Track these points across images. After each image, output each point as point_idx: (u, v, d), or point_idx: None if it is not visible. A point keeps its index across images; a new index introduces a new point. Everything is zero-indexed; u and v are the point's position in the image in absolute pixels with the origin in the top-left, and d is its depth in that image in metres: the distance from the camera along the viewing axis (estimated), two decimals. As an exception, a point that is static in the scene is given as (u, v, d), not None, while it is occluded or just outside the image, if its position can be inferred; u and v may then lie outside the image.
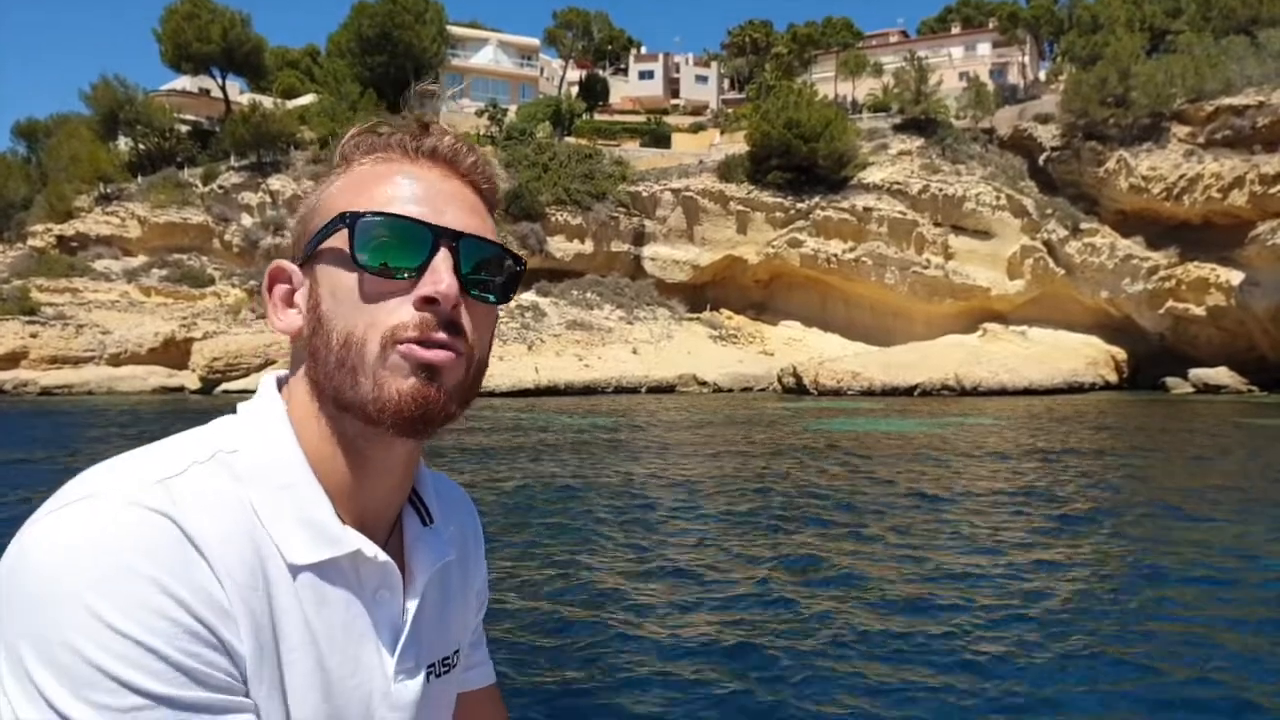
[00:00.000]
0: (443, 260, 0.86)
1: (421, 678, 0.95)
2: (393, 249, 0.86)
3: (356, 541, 0.87)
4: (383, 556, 0.90)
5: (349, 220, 0.87)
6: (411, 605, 0.94)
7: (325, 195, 0.92)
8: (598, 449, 17.11)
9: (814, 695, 5.47)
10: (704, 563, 8.52)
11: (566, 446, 17.43)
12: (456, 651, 1.06)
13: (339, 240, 0.87)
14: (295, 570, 0.84)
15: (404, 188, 0.89)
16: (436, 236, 0.87)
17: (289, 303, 0.92)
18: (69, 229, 43.03)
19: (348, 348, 0.85)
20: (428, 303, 0.85)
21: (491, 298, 0.92)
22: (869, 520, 10.45)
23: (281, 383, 0.95)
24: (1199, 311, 36.74)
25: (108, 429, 19.91)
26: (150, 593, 0.73)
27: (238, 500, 0.83)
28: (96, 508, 0.75)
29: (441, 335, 0.85)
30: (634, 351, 36.89)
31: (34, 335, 33.37)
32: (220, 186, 43.76)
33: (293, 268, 0.92)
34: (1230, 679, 5.70)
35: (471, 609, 1.13)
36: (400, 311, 0.85)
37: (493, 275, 0.92)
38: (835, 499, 11.83)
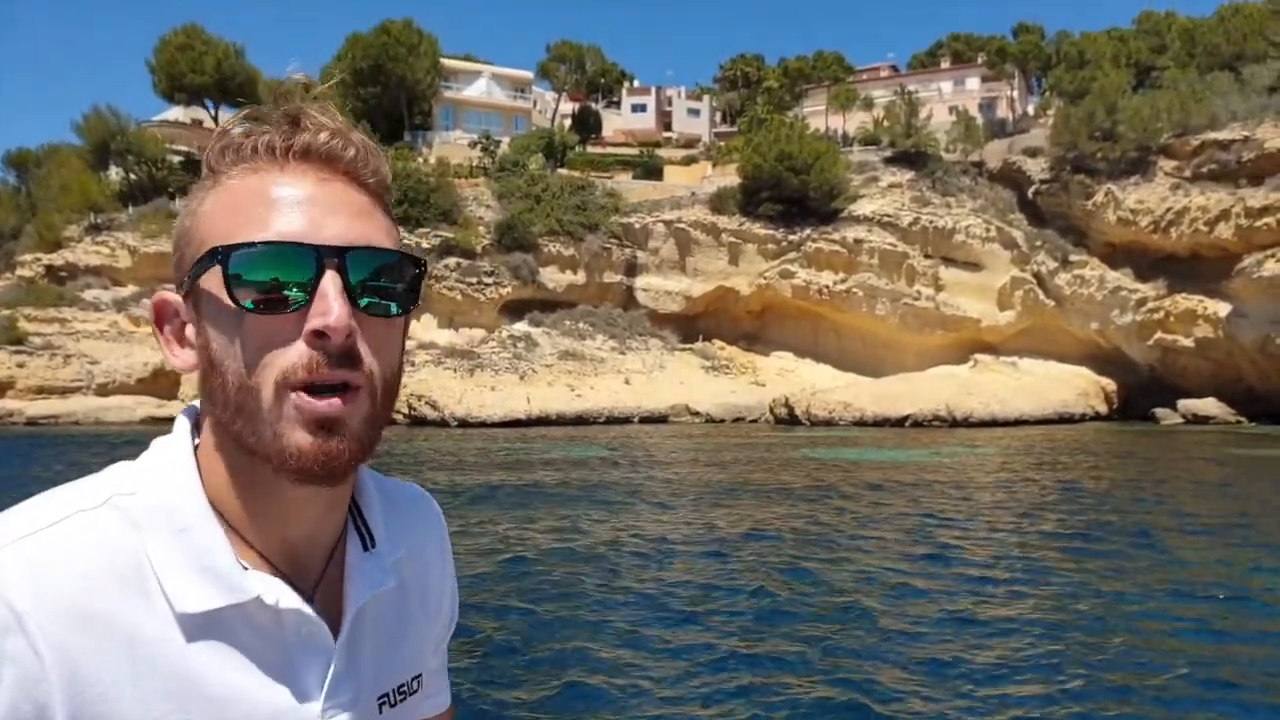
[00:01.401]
0: (330, 283, 0.78)
1: (362, 711, 0.89)
2: (271, 281, 0.78)
3: (257, 588, 0.81)
4: (287, 603, 0.83)
5: (220, 255, 0.79)
6: (342, 639, 0.88)
7: (196, 218, 0.83)
8: (599, 478, 16.99)
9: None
10: (702, 584, 8.42)
11: (564, 478, 17.30)
12: (417, 677, 1.00)
13: (214, 278, 0.80)
14: (187, 620, 0.79)
15: (277, 204, 0.80)
16: (319, 256, 0.79)
17: (180, 339, 0.85)
18: (58, 259, 42.84)
19: (243, 394, 0.79)
20: (318, 337, 0.78)
21: (393, 308, 0.84)
22: (866, 546, 10.36)
23: (196, 415, 0.89)
24: (1187, 343, 36.93)
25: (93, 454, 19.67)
26: None
27: (125, 547, 0.78)
28: None
29: (336, 374, 0.78)
30: (626, 382, 36.82)
31: (21, 365, 33.10)
32: (211, 217, 43.73)
33: (178, 301, 0.85)
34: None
35: (434, 630, 1.06)
36: (290, 351, 0.78)
37: (392, 283, 0.84)
38: (827, 527, 11.74)
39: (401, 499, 1.05)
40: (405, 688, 0.97)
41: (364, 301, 0.81)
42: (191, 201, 0.85)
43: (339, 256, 0.79)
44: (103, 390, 33.71)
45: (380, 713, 0.93)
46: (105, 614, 0.75)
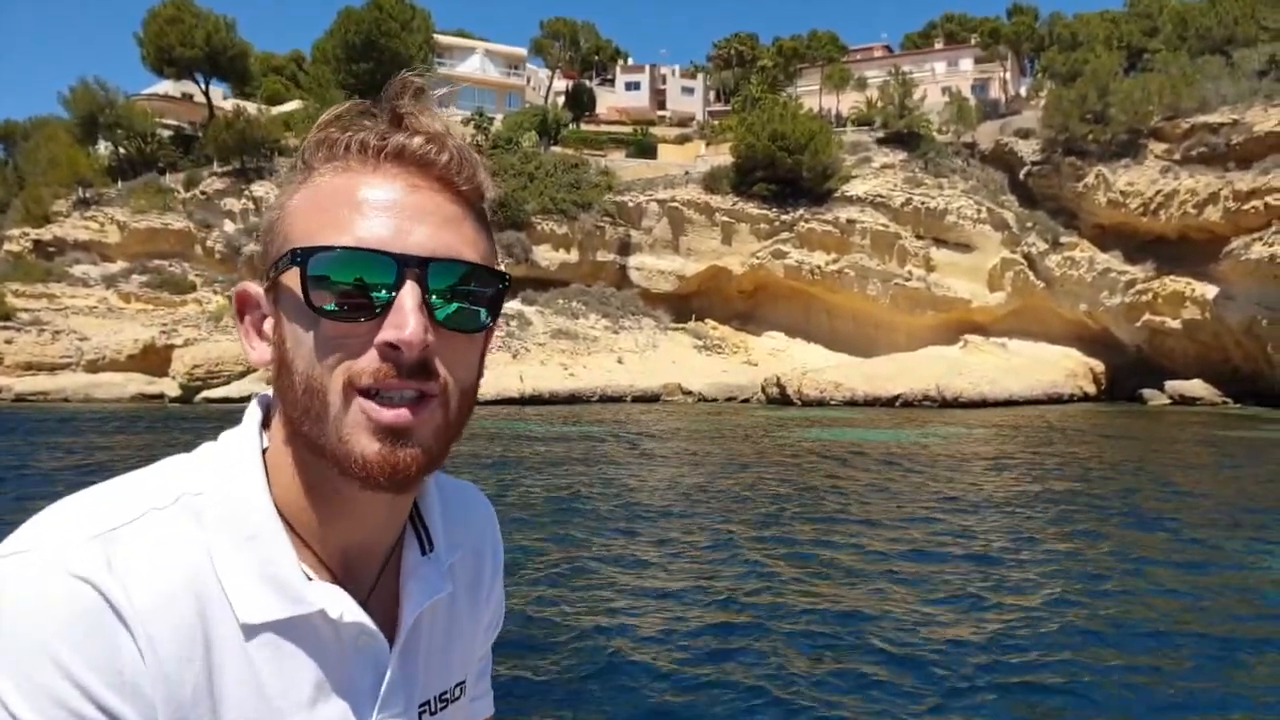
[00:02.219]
0: (409, 295, 0.77)
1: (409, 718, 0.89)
2: (349, 287, 0.77)
3: (322, 600, 0.81)
4: (350, 616, 0.83)
5: (299, 257, 0.78)
6: (398, 648, 0.88)
7: (283, 213, 0.83)
8: (591, 455, 17.13)
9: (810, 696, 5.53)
10: (691, 559, 8.57)
11: (559, 454, 17.43)
12: (460, 684, 0.99)
13: (292, 278, 0.79)
14: (250, 629, 0.78)
15: (363, 207, 0.79)
16: (400, 265, 0.77)
17: (259, 332, 0.85)
18: (46, 234, 42.47)
19: (310, 395, 0.78)
20: (390, 348, 0.76)
21: (474, 322, 0.83)
22: (855, 525, 10.55)
23: (268, 405, 0.89)
24: (1175, 324, 37.27)
25: (86, 435, 19.71)
26: (52, 678, 0.70)
27: (196, 551, 0.78)
28: (26, 567, 0.72)
29: (406, 384, 0.77)
30: (619, 361, 36.93)
31: (8, 341, 32.85)
32: (203, 192, 43.46)
33: (259, 294, 0.85)
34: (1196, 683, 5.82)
35: (480, 638, 1.05)
36: (361, 357, 0.77)
37: (474, 301, 0.82)
38: (821, 505, 11.93)
39: (458, 498, 1.04)
40: (448, 695, 0.96)
41: (443, 315, 0.80)
42: (282, 195, 0.85)
43: (421, 267, 0.78)
44: (92, 367, 33.52)
45: None
46: (184, 614, 0.75)
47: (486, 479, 13.97)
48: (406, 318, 0.76)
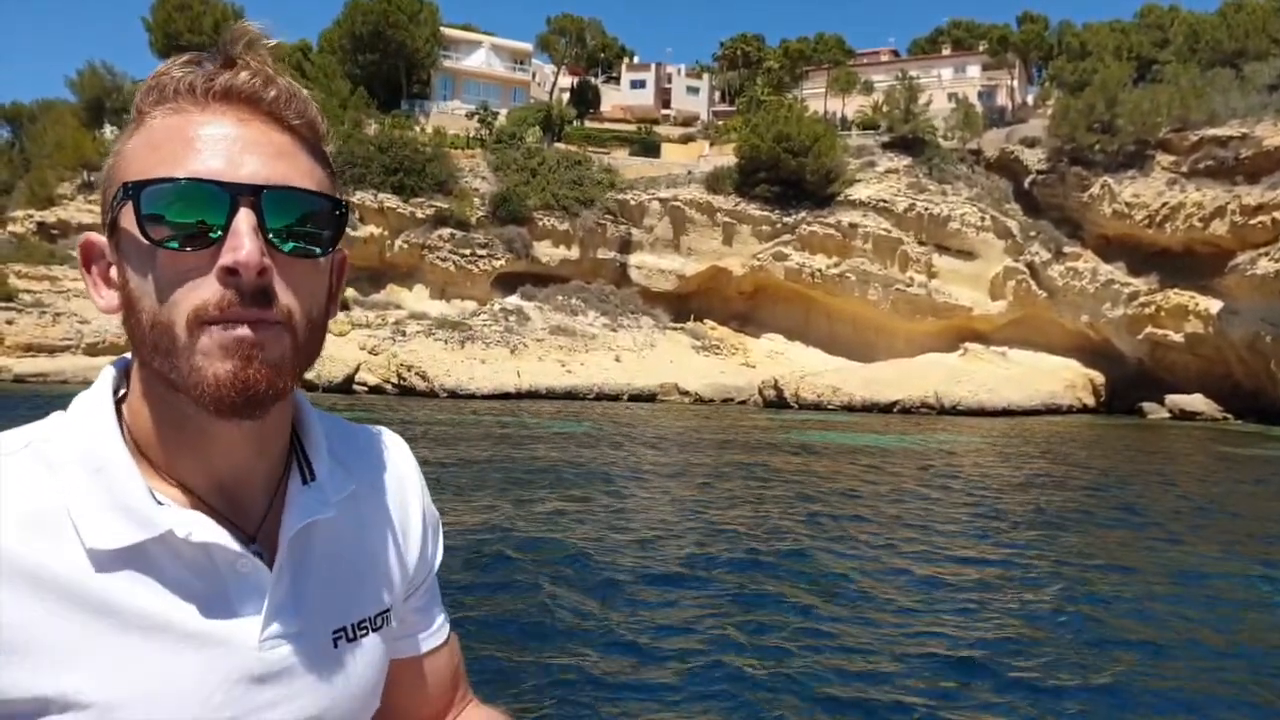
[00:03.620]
0: (244, 220, 0.78)
1: (311, 644, 0.89)
2: (184, 217, 0.78)
3: (169, 522, 0.82)
4: (199, 536, 0.83)
5: (131, 191, 0.79)
6: (279, 569, 0.88)
7: (118, 158, 0.84)
8: (587, 453, 17.04)
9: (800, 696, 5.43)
10: (687, 562, 8.47)
11: (554, 451, 17.34)
12: (381, 614, 0.99)
13: (128, 215, 0.80)
14: (99, 557, 0.79)
15: (195, 142, 0.80)
16: (233, 195, 0.79)
17: (107, 280, 0.85)
18: (50, 216, 42.51)
19: (158, 331, 0.79)
20: (230, 274, 0.78)
21: (317, 250, 0.84)
22: (845, 530, 10.44)
23: (129, 364, 0.90)
24: (1177, 338, 37.07)
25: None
26: None
27: (42, 491, 0.80)
28: None
29: (248, 311, 0.78)
30: (617, 359, 36.83)
31: (9, 322, 32.93)
32: (205, 178, 43.44)
33: (103, 242, 0.85)
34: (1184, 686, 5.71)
35: (405, 566, 1.04)
36: (203, 288, 0.78)
37: (315, 226, 0.84)
38: (815, 507, 11.82)
39: (359, 436, 1.06)
40: (367, 623, 0.96)
41: (284, 244, 0.81)
42: (116, 143, 0.85)
43: (255, 195, 0.79)
44: (92, 350, 33.55)
45: (335, 647, 0.92)
46: (27, 554, 0.77)
47: (477, 472, 13.88)
48: (242, 241, 0.77)
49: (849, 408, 32.75)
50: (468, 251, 40.85)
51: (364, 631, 0.96)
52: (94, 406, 0.87)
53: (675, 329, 41.38)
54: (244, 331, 0.78)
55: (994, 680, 5.90)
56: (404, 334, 35.60)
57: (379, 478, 1.04)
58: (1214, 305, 35.67)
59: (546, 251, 42.44)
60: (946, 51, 60.93)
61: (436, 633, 1.13)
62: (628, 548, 9.31)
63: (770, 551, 9.37)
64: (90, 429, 0.84)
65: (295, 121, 0.85)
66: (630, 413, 28.60)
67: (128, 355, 0.89)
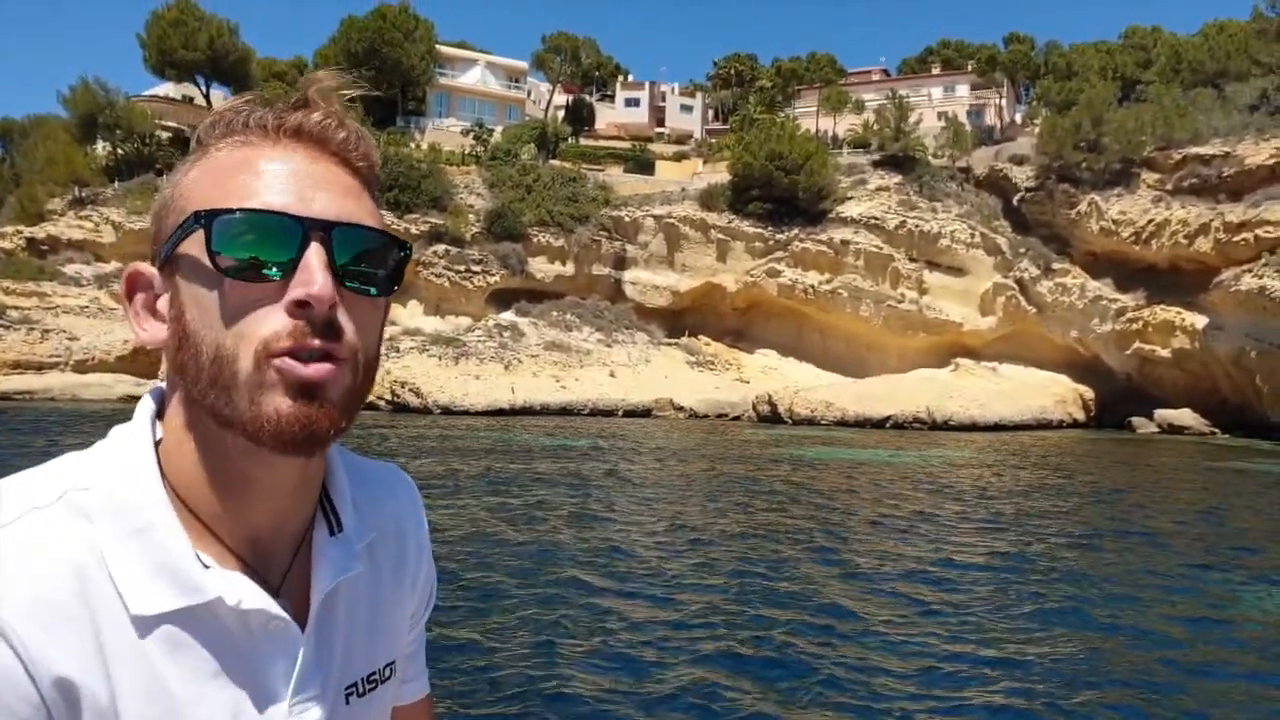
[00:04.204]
0: (315, 255, 0.78)
1: (330, 703, 0.88)
2: (256, 248, 0.77)
3: (217, 588, 0.80)
4: (250, 603, 0.81)
5: (204, 219, 0.78)
6: (310, 631, 0.87)
7: (179, 188, 0.83)
8: (582, 468, 17.11)
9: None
10: (681, 575, 8.57)
11: (548, 467, 17.41)
12: (389, 665, 0.98)
13: (196, 243, 0.79)
14: (143, 622, 0.77)
15: (266, 175, 0.80)
16: (305, 229, 0.78)
17: (152, 311, 0.84)
18: (40, 231, 42.25)
19: (219, 364, 0.77)
20: (300, 307, 0.77)
21: (373, 290, 0.84)
22: (839, 542, 10.57)
23: (162, 396, 0.87)
24: (1164, 353, 37.49)
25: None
26: None
27: (81, 548, 0.77)
28: None
29: (318, 342, 0.77)
30: (611, 374, 36.92)
31: (-2, 338, 32.71)
32: (200, 195, 43.29)
33: (152, 272, 0.84)
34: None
35: (407, 614, 1.03)
36: (271, 319, 0.77)
37: (374, 266, 0.84)
38: (810, 522, 11.94)
39: (373, 477, 1.03)
40: (376, 676, 0.95)
41: (349, 281, 0.81)
42: (175, 174, 0.85)
43: (325, 231, 0.79)
44: (80, 367, 33.33)
45: (347, 703, 0.91)
46: (68, 612, 0.74)
47: (471, 488, 13.96)
48: (314, 275, 0.76)
49: (842, 423, 32.95)
50: (462, 268, 40.94)
51: (373, 685, 0.95)
52: (133, 451, 0.83)
53: (670, 345, 41.52)
54: (311, 370, 0.77)
55: (993, 694, 6.03)
56: (398, 350, 35.61)
57: (391, 524, 1.02)
58: (1200, 321, 36.11)
59: (541, 267, 42.58)
60: (936, 71, 61.66)
61: (421, 678, 1.13)
62: (624, 565, 9.41)
63: (770, 569, 9.49)
64: (129, 479, 0.81)
65: (360, 164, 0.87)
66: (625, 429, 28.69)
67: (162, 384, 0.88)
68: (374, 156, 0.87)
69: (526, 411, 32.35)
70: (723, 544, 10.43)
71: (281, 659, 0.84)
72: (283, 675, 0.83)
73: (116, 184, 44.84)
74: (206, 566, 0.80)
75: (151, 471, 0.81)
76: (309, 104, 0.84)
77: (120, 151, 47.85)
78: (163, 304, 0.82)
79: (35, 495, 0.78)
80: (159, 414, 0.87)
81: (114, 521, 0.78)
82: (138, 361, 33.74)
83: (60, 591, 0.74)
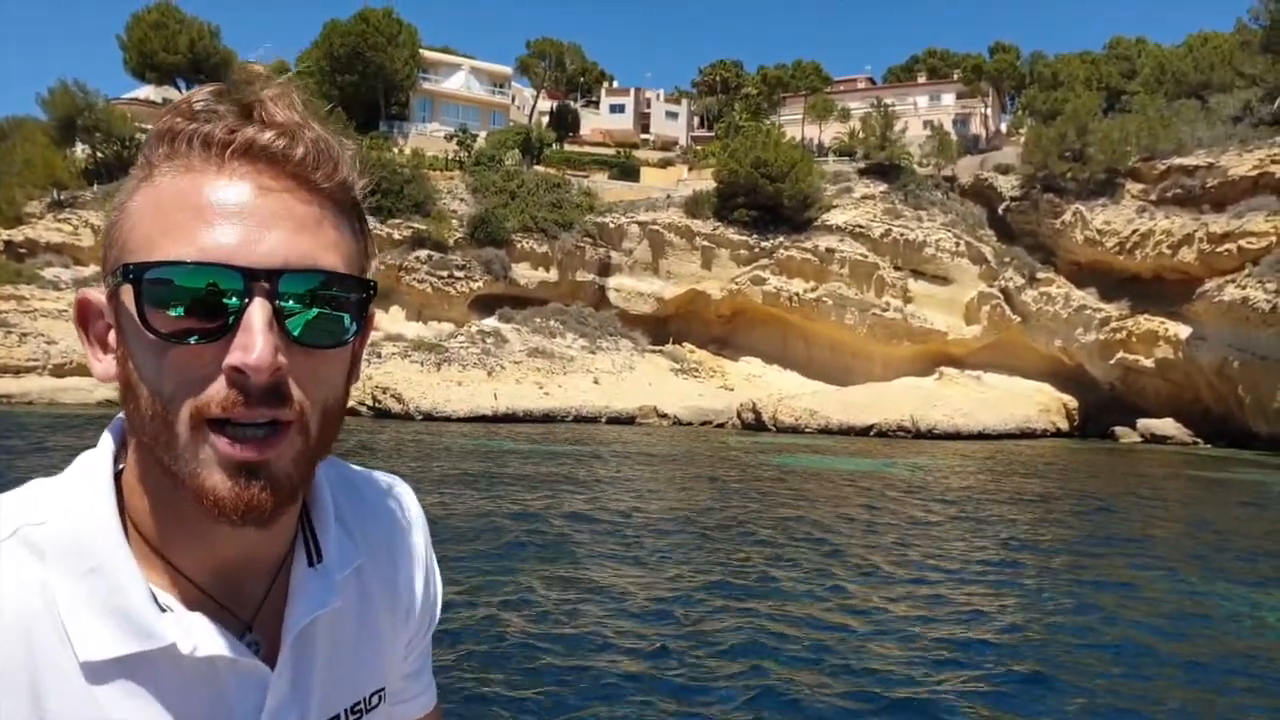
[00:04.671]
0: (257, 313, 0.69)
1: None
2: (190, 307, 0.69)
3: (172, 634, 0.74)
4: (205, 650, 0.75)
5: (132, 274, 0.70)
6: (281, 667, 0.80)
7: (121, 215, 0.74)
8: (566, 475, 16.90)
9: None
10: (662, 581, 8.38)
11: (532, 474, 17.19)
12: (377, 693, 0.91)
13: (127, 296, 0.71)
14: (92, 669, 0.72)
15: (206, 213, 0.70)
16: (247, 280, 0.69)
17: (104, 344, 0.77)
18: (18, 235, 41.83)
19: (157, 423, 0.71)
20: (237, 372, 0.69)
21: (334, 338, 0.74)
22: (821, 550, 10.39)
23: (124, 427, 0.80)
24: (1148, 363, 37.58)
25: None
26: None
27: (27, 589, 0.72)
28: None
29: (257, 413, 0.70)
30: (595, 381, 36.72)
31: (-26, 342, 32.29)
32: (180, 198, 42.95)
33: (101, 301, 0.76)
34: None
35: (400, 641, 0.96)
36: (207, 384, 0.70)
37: (338, 310, 0.74)
38: (792, 532, 11.77)
39: (366, 493, 0.95)
40: (361, 705, 0.89)
41: (299, 330, 0.72)
42: (122, 193, 0.76)
43: (270, 280, 0.70)
44: (59, 371, 32.94)
45: None
46: (7, 661, 0.69)
47: (453, 497, 13.71)
48: (254, 339, 0.68)
49: (826, 431, 32.84)
50: (445, 273, 40.70)
51: (357, 715, 0.89)
52: (92, 484, 0.77)
53: (654, 352, 41.36)
54: (245, 453, 0.70)
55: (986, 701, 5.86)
56: (379, 355, 35.30)
57: (385, 544, 0.94)
58: (1183, 331, 36.22)
59: (525, 273, 42.37)
60: (922, 80, 61.91)
61: (424, 700, 1.05)
62: (608, 574, 9.21)
63: (745, 574, 9.30)
64: (88, 517, 0.75)
65: (325, 184, 0.75)
66: (609, 436, 28.48)
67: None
68: (343, 172, 0.77)
69: (509, 418, 32.10)
70: (699, 548, 10.24)
71: (251, 695, 0.79)
72: (250, 712, 0.79)
73: (96, 187, 44.47)
74: (164, 609, 0.76)
75: (108, 506, 0.77)
76: (253, 110, 0.74)
77: (99, 154, 47.46)
78: (113, 338, 0.76)
79: None
80: (126, 441, 0.81)
81: (66, 560, 0.74)
82: (115, 366, 33.29)
83: (3, 636, 0.70)
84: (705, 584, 8.86)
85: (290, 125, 0.74)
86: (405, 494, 1.01)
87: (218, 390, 0.69)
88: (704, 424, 35.15)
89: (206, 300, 0.69)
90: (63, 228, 42.30)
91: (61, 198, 43.66)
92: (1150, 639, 7.55)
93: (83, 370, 33.20)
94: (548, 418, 33.01)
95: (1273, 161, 35.55)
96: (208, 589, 0.78)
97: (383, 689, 0.92)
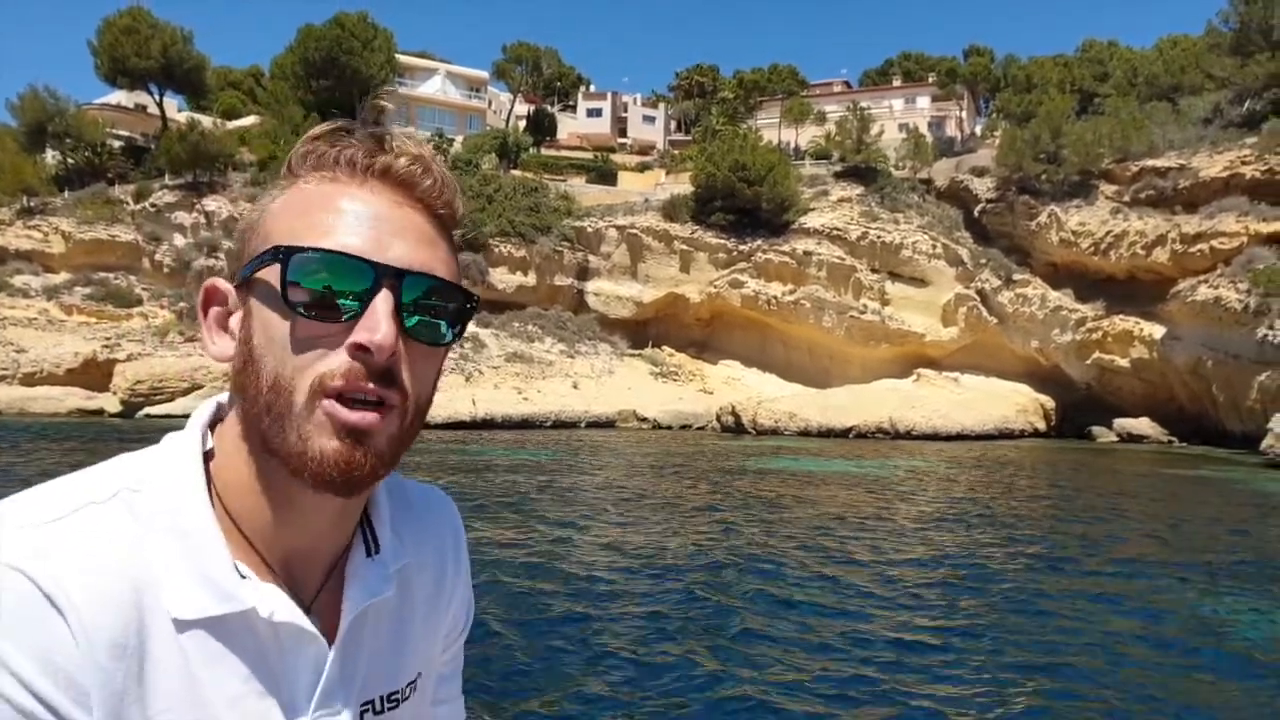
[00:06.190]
0: (382, 302, 0.80)
1: (347, 718, 0.89)
2: (328, 288, 0.80)
3: (252, 598, 0.82)
4: (282, 615, 0.83)
5: (282, 255, 0.80)
6: (337, 648, 0.88)
7: (265, 214, 0.85)
8: (545, 480, 16.78)
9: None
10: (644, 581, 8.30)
11: (512, 480, 17.06)
12: (412, 683, 0.98)
13: (271, 274, 0.81)
14: (181, 624, 0.79)
15: (347, 216, 0.82)
16: (378, 274, 0.80)
17: (224, 327, 0.86)
18: (-13, 241, 41.23)
19: (276, 392, 0.80)
20: (360, 350, 0.79)
21: (437, 341, 0.86)
22: (806, 557, 10.35)
23: (221, 409, 0.90)
24: (1123, 363, 37.93)
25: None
26: None
27: (131, 545, 0.79)
28: None
29: (371, 386, 0.80)
30: (574, 386, 36.60)
31: (-58, 350, 31.72)
32: (153, 205, 42.47)
33: (228, 289, 0.86)
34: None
35: (439, 637, 1.04)
36: (331, 357, 0.79)
37: (440, 316, 0.85)
38: (773, 535, 11.73)
39: (416, 501, 1.04)
40: (397, 695, 0.95)
41: (411, 325, 0.83)
42: (264, 198, 0.87)
43: (397, 278, 0.81)
44: (29, 380, 32.39)
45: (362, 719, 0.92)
46: (119, 605, 0.77)
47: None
48: (379, 322, 0.79)
49: (805, 433, 32.87)
50: (423, 278, 40.46)
51: (393, 704, 0.95)
52: (183, 460, 0.85)
53: (633, 355, 41.30)
54: (356, 416, 0.79)
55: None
56: (357, 362, 35.01)
57: (429, 548, 1.03)
58: (1158, 331, 36.58)
59: (503, 278, 42.20)
60: (897, 83, 62.34)
61: (456, 702, 1.13)
62: (591, 578, 9.11)
63: (737, 581, 9.24)
64: (179, 486, 0.83)
65: (443, 211, 0.88)
66: (588, 440, 28.36)
67: (222, 398, 0.90)
68: (456, 204, 0.90)
69: (488, 424, 31.89)
70: (678, 550, 10.16)
71: (307, 673, 0.86)
72: (307, 688, 0.86)
73: (66, 193, 43.89)
74: (244, 577, 0.84)
75: (199, 481, 0.85)
76: (386, 141, 0.86)
77: (70, 160, 46.85)
78: (234, 322, 0.86)
79: (93, 491, 0.81)
80: (213, 425, 0.90)
81: (160, 523, 0.81)
82: (88, 374, 32.86)
83: (115, 583, 0.77)
84: (686, 587, 8.79)
85: (421, 157, 0.87)
86: (447, 505, 1.10)
87: (340, 363, 0.79)
88: (684, 427, 35.10)
89: (341, 286, 0.80)
90: (33, 235, 41.71)
91: (31, 204, 43.05)
92: (1138, 642, 7.54)
93: (53, 379, 32.69)
94: (527, 423, 32.84)
95: (1243, 163, 36.00)
96: (277, 571, 0.86)
97: (415, 680, 0.99)
